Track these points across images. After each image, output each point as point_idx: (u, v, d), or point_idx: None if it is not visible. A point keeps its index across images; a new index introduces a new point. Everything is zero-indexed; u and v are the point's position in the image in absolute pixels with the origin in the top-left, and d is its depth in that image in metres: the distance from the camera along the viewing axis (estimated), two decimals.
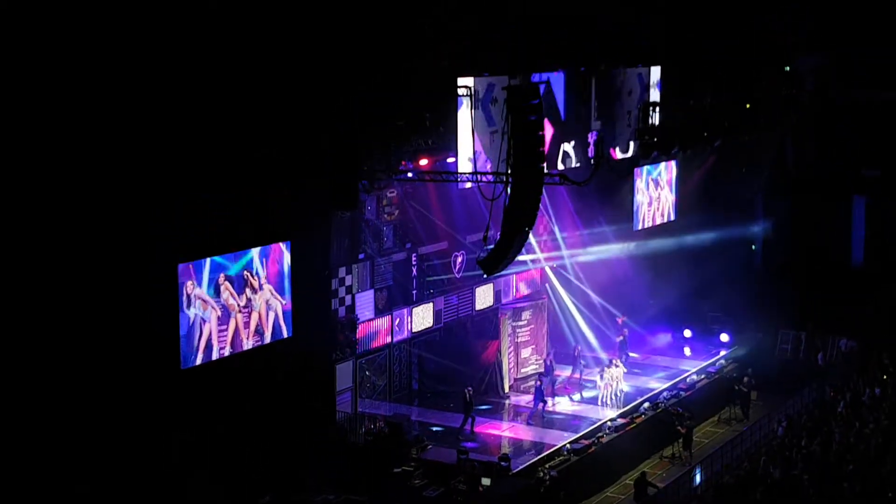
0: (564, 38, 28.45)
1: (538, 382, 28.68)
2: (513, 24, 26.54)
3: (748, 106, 34.01)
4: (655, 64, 31.91)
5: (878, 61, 38.57)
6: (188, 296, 21.17)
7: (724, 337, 34.83)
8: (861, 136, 38.84)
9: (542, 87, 23.11)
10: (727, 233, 37.20)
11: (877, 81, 38.45)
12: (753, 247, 40.59)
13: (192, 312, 21.30)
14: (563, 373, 31.16)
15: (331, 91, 22.61)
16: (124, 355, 19.68)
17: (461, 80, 25.00)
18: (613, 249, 34.09)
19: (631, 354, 33.01)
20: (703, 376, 32.22)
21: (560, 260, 33.32)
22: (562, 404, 29.43)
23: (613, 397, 29.48)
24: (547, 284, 33.28)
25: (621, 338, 32.84)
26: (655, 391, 30.33)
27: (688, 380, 31.73)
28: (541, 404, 28.39)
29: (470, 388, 27.37)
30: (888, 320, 35.15)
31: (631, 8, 30.47)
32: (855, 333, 35.24)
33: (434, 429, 27.29)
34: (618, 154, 31.18)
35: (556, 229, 32.68)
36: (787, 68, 37.74)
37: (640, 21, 30.98)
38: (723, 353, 34.23)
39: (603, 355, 31.63)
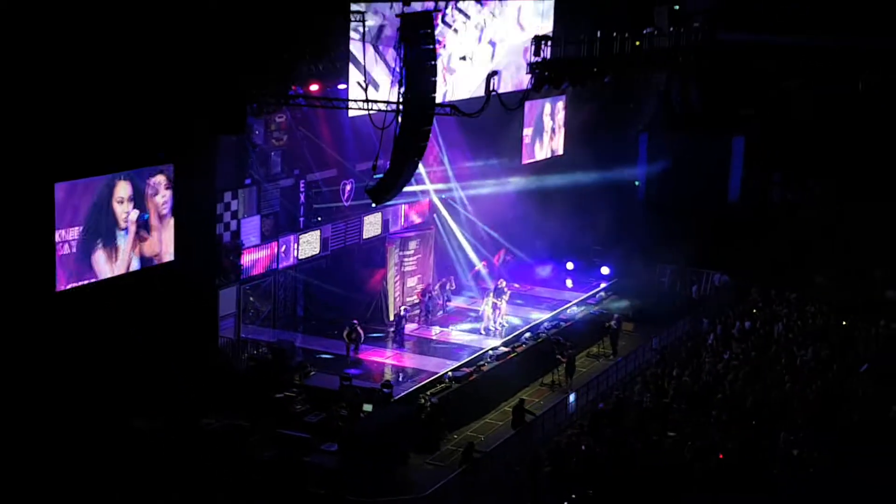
0: None
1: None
2: None
3: (637, 43, 34.40)
4: None
5: (762, 5, 39.54)
6: (68, 215, 20.65)
7: (605, 270, 35.76)
8: (742, 77, 39.83)
9: (435, 16, 22.97)
10: (612, 169, 37.90)
11: (762, 24, 39.40)
12: (637, 183, 41.51)
13: (69, 232, 20.79)
14: (452, 303, 31.69)
15: (220, 12, 22.03)
16: None
17: (353, 6, 24.63)
18: (501, 182, 34.43)
19: (514, 285, 33.59)
20: (583, 308, 33.06)
21: (449, 191, 33.50)
22: (449, 333, 29.90)
23: (499, 326, 30.08)
24: (435, 215, 33.46)
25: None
26: (537, 321, 31.03)
27: (568, 311, 32.53)
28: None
29: (356, 321, 27.55)
30: (761, 256, 36.59)
31: None
32: (729, 268, 36.61)
33: (323, 356, 27.38)
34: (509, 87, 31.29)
35: (446, 160, 32.76)
36: (677, 7, 38.30)
37: None
38: (603, 285, 35.16)
39: (490, 285, 32.12)
